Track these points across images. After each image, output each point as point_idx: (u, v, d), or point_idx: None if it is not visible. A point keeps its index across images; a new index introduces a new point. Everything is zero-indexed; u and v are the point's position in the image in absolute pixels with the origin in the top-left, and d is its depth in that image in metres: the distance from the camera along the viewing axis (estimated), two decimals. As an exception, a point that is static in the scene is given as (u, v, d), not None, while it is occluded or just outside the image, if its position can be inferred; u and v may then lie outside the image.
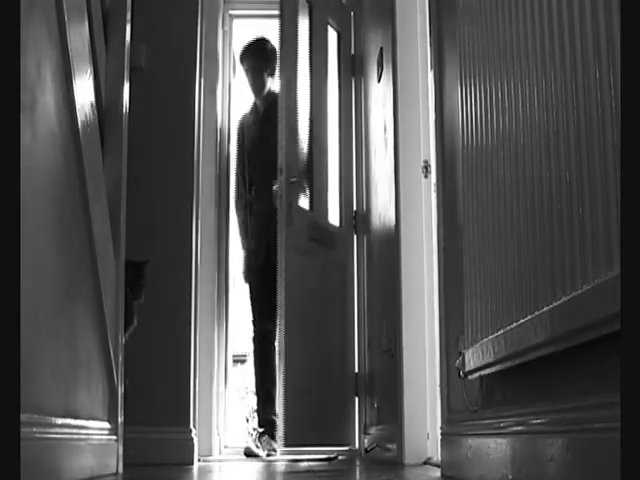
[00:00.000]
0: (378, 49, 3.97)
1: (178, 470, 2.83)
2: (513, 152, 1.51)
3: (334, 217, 4.46)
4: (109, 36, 2.66)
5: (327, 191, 4.39)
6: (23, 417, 1.57)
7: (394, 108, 3.39)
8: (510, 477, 1.61)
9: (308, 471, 2.79)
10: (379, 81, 3.97)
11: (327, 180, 4.41)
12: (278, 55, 4.25)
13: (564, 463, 1.30)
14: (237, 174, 4.73)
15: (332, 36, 4.54)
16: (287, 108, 4.07)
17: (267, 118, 4.55)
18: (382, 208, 3.85)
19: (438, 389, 2.77)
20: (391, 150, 3.46)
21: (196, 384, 3.57)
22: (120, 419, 2.63)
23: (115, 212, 2.61)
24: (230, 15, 4.85)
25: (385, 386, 3.63)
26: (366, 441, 4.01)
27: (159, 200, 3.55)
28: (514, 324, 1.46)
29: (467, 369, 1.90)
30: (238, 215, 4.71)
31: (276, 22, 4.12)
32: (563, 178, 1.23)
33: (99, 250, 2.34)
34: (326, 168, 4.41)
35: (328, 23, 4.52)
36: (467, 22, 1.95)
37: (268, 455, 4.10)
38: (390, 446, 3.32)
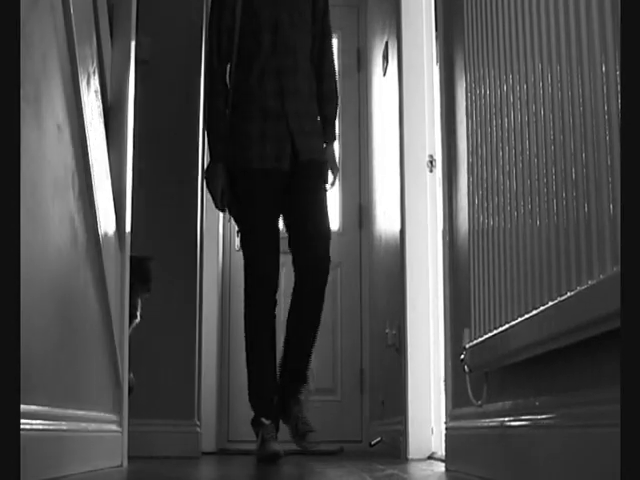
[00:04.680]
0: (384, 43, 3.96)
1: (183, 463, 2.83)
2: (519, 146, 1.51)
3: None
4: (115, 29, 2.66)
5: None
6: (27, 408, 1.57)
7: (399, 102, 3.38)
8: (515, 472, 1.61)
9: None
10: (384, 75, 3.96)
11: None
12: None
13: (569, 459, 1.29)
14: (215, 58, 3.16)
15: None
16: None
17: None
18: (387, 202, 3.84)
19: (442, 384, 2.77)
20: (396, 144, 3.45)
21: (201, 377, 3.57)
22: (125, 412, 2.64)
23: (120, 205, 2.61)
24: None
25: (390, 381, 3.63)
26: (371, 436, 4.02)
27: (164, 193, 3.55)
28: (519, 319, 1.46)
29: (472, 364, 1.89)
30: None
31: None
32: (569, 172, 1.22)
33: (104, 244, 2.34)
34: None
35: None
36: (473, 15, 1.94)
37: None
38: (394, 441, 3.32)
